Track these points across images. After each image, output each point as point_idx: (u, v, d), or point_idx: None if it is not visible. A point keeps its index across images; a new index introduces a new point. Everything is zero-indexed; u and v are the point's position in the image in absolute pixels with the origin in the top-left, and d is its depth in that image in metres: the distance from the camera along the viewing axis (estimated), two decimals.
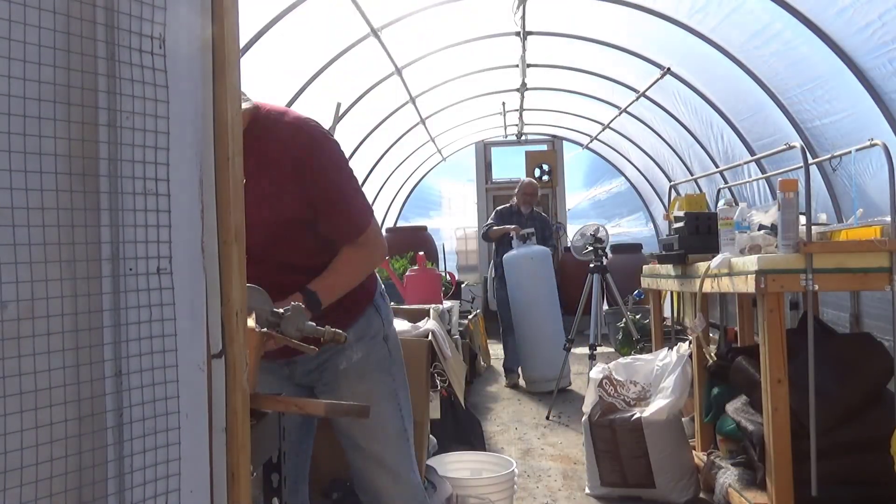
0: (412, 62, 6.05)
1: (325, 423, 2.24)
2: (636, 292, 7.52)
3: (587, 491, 3.77)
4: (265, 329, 1.58)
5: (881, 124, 3.76)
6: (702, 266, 3.30)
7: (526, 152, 11.13)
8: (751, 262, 2.85)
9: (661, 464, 3.50)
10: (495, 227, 6.75)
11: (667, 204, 6.83)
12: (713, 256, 3.16)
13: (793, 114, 4.66)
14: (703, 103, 5.90)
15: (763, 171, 5.22)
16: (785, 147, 3.40)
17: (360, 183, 2.27)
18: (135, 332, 1.05)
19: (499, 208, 7.11)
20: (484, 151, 11.48)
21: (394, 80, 6.14)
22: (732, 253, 3.10)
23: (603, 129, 8.98)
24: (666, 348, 3.92)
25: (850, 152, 3.31)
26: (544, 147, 11.43)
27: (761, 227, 3.22)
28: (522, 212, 6.89)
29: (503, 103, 8.46)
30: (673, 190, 5.30)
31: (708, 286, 3.27)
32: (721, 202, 3.87)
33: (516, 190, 7.04)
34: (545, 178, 11.14)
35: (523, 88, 7.52)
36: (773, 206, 3.17)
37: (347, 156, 6.65)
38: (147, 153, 1.07)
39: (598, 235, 5.98)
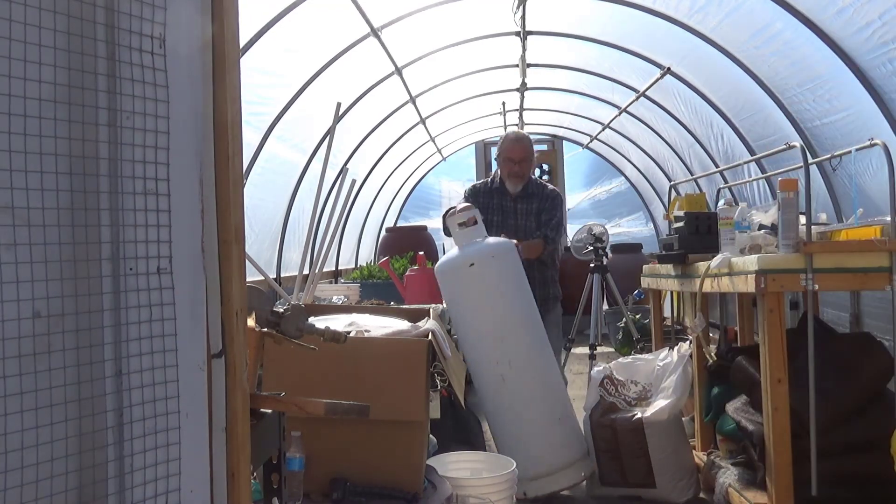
0: (412, 62, 6.05)
1: (327, 423, 2.25)
2: (636, 292, 7.51)
3: (587, 491, 3.76)
4: (265, 329, 1.59)
5: (881, 124, 3.76)
6: (702, 266, 3.30)
7: None
8: (751, 261, 2.84)
9: (662, 464, 3.50)
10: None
11: (667, 204, 6.83)
12: (713, 256, 3.16)
13: (793, 113, 4.65)
14: (703, 103, 5.90)
15: (763, 170, 5.21)
16: (785, 147, 3.40)
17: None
18: (135, 331, 1.05)
19: (474, 184, 4.60)
20: (484, 151, 11.48)
21: (394, 80, 6.14)
22: (732, 253, 3.10)
23: (603, 129, 8.97)
24: (666, 348, 3.92)
25: (850, 152, 3.31)
26: (544, 147, 11.43)
27: (761, 226, 3.22)
28: (509, 190, 4.23)
29: (503, 103, 8.45)
30: (673, 190, 5.30)
31: (708, 286, 3.27)
32: (721, 202, 3.87)
33: (496, 153, 4.42)
34: (545, 177, 11.16)
35: (523, 88, 7.51)
36: (773, 205, 3.17)
37: (348, 156, 6.64)
38: (147, 153, 1.07)
39: (599, 235, 5.98)
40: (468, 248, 3.67)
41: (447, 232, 4.00)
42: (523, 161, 4.21)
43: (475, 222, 3.72)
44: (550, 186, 4.45)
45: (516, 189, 4.22)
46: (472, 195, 4.32)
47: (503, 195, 4.27)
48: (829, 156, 3.66)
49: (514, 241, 3.81)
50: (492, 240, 3.74)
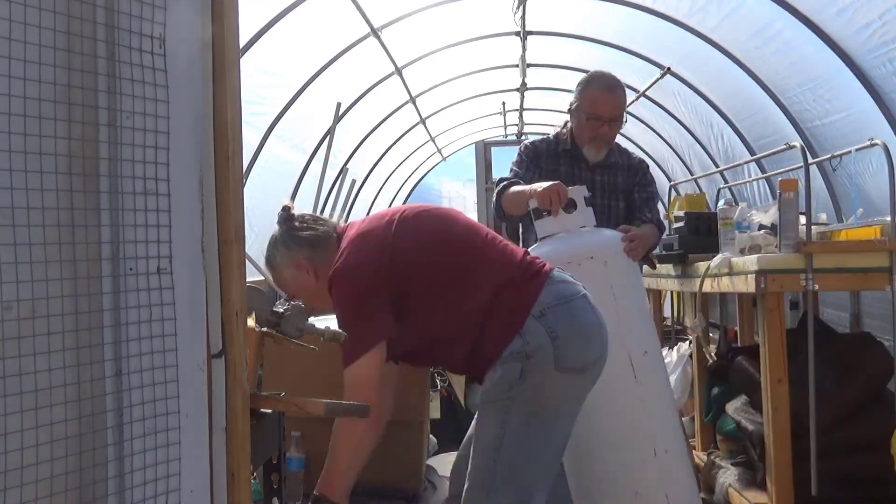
0: (412, 62, 6.05)
1: (327, 423, 2.25)
2: None
3: None
4: (265, 329, 1.59)
5: (881, 124, 3.76)
6: (702, 266, 3.30)
7: None
8: (751, 261, 2.84)
9: None
10: (513, 188, 2.75)
11: (667, 204, 6.83)
12: (713, 256, 3.16)
13: (793, 113, 4.65)
14: (703, 103, 5.90)
15: (763, 170, 5.21)
16: (785, 147, 3.40)
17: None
18: (135, 331, 1.05)
19: (534, 142, 3.03)
20: (484, 151, 11.46)
21: (394, 80, 6.14)
22: (732, 253, 3.10)
23: None
24: (666, 348, 3.92)
25: (850, 152, 3.31)
26: None
27: (761, 226, 3.22)
28: (587, 157, 2.93)
29: (503, 103, 8.46)
30: (673, 190, 5.30)
31: (708, 286, 3.27)
32: (721, 202, 3.87)
33: (573, 103, 2.96)
34: None
35: (523, 88, 7.52)
36: (773, 205, 3.17)
37: (348, 156, 6.63)
38: (147, 153, 1.07)
39: None
40: (573, 242, 2.49)
41: (500, 213, 2.82)
42: (615, 120, 2.88)
43: (574, 205, 2.54)
44: (636, 155, 3.15)
45: (598, 157, 2.92)
46: (533, 157, 2.95)
47: (576, 162, 2.94)
48: (829, 156, 3.66)
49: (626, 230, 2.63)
50: (607, 232, 2.63)
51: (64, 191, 0.97)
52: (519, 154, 3.00)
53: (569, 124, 3.00)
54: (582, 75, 3.23)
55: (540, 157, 2.93)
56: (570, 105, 2.98)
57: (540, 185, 2.51)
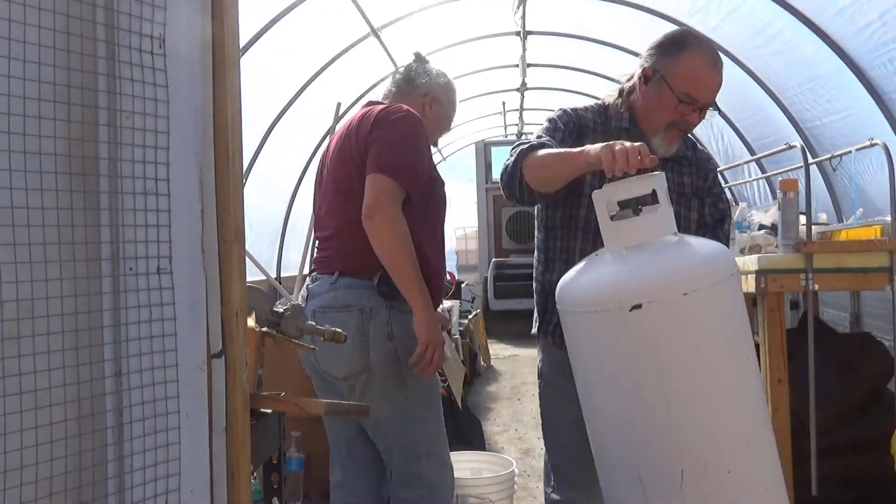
0: None
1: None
2: None
3: None
4: (265, 329, 1.58)
5: (881, 124, 3.76)
6: None
7: None
8: (751, 262, 2.85)
9: None
10: (544, 150, 1.81)
11: None
12: None
13: (793, 113, 4.66)
14: None
15: (763, 170, 5.22)
16: (785, 147, 3.40)
17: None
18: (135, 331, 1.05)
19: (574, 108, 2.07)
20: (484, 151, 11.48)
21: None
22: (732, 253, 3.10)
23: None
24: None
25: (850, 152, 3.31)
26: None
27: (761, 226, 3.22)
28: (655, 148, 1.92)
29: (503, 103, 8.46)
30: None
31: None
32: None
33: (654, 69, 1.93)
34: None
35: (523, 88, 7.52)
36: (773, 205, 3.17)
37: None
38: (147, 153, 1.07)
39: None
40: (650, 260, 1.57)
41: (510, 188, 1.87)
42: (707, 108, 1.98)
43: (655, 200, 1.63)
44: (704, 149, 2.26)
45: (669, 151, 2.03)
46: (575, 127, 2.05)
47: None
48: (829, 156, 3.66)
49: None
50: (702, 244, 1.68)
51: (63, 191, 0.97)
52: (551, 120, 2.06)
53: (626, 93, 2.06)
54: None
55: (584, 131, 2.03)
56: (646, 72, 1.98)
57: (601, 145, 1.66)
